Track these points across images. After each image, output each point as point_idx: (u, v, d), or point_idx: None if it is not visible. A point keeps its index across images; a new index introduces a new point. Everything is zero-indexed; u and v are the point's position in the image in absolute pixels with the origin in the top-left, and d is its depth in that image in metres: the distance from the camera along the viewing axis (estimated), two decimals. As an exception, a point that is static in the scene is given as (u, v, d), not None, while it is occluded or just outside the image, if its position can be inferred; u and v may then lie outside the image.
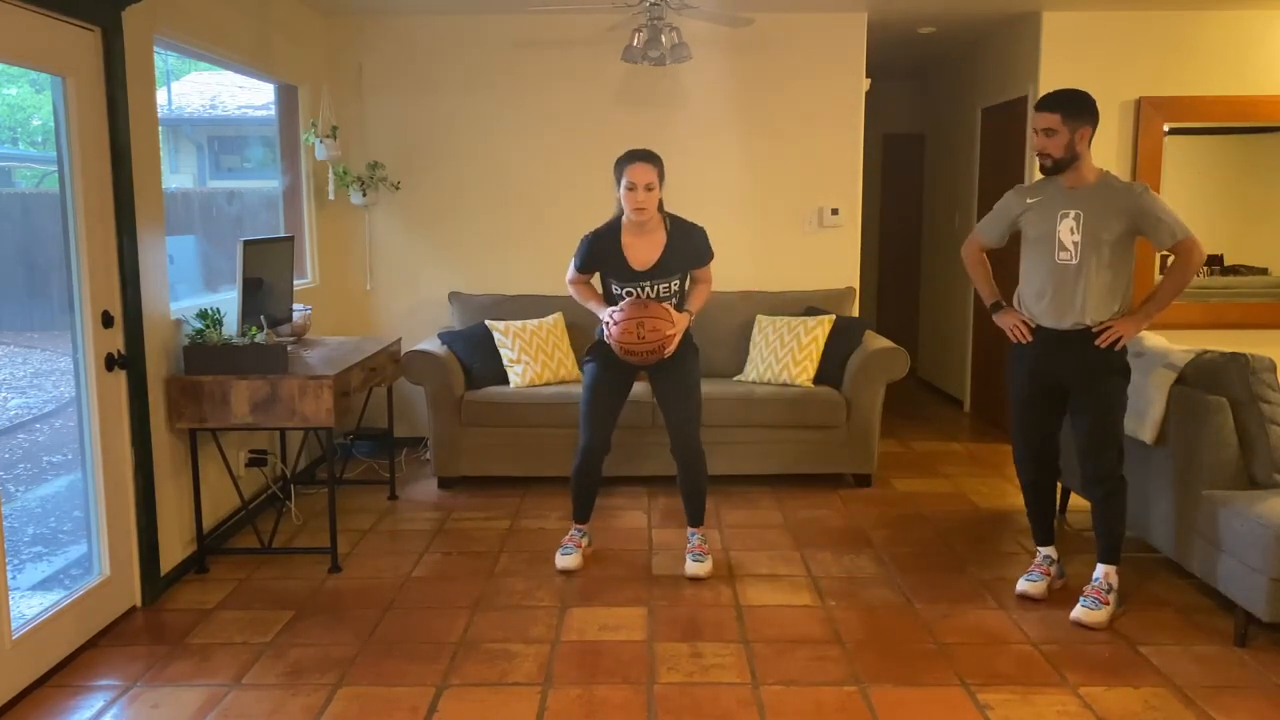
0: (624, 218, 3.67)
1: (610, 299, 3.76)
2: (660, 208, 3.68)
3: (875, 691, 2.92)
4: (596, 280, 3.86)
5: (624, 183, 3.58)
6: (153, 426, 3.57)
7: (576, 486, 3.91)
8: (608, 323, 3.61)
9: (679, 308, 3.74)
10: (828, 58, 5.60)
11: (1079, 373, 3.37)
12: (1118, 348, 3.32)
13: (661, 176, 3.63)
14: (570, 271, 3.83)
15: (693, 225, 3.75)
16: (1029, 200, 3.47)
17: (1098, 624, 3.33)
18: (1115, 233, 3.28)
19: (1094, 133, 3.33)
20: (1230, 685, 2.96)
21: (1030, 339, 3.47)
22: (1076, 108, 3.29)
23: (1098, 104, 3.33)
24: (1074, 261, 3.32)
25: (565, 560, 3.87)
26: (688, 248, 3.72)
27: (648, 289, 3.68)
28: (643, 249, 3.68)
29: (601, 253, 3.71)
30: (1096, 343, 3.30)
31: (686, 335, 3.74)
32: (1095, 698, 2.88)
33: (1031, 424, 3.54)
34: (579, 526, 3.98)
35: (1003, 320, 3.55)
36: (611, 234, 3.70)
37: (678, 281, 3.74)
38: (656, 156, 3.64)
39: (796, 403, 4.90)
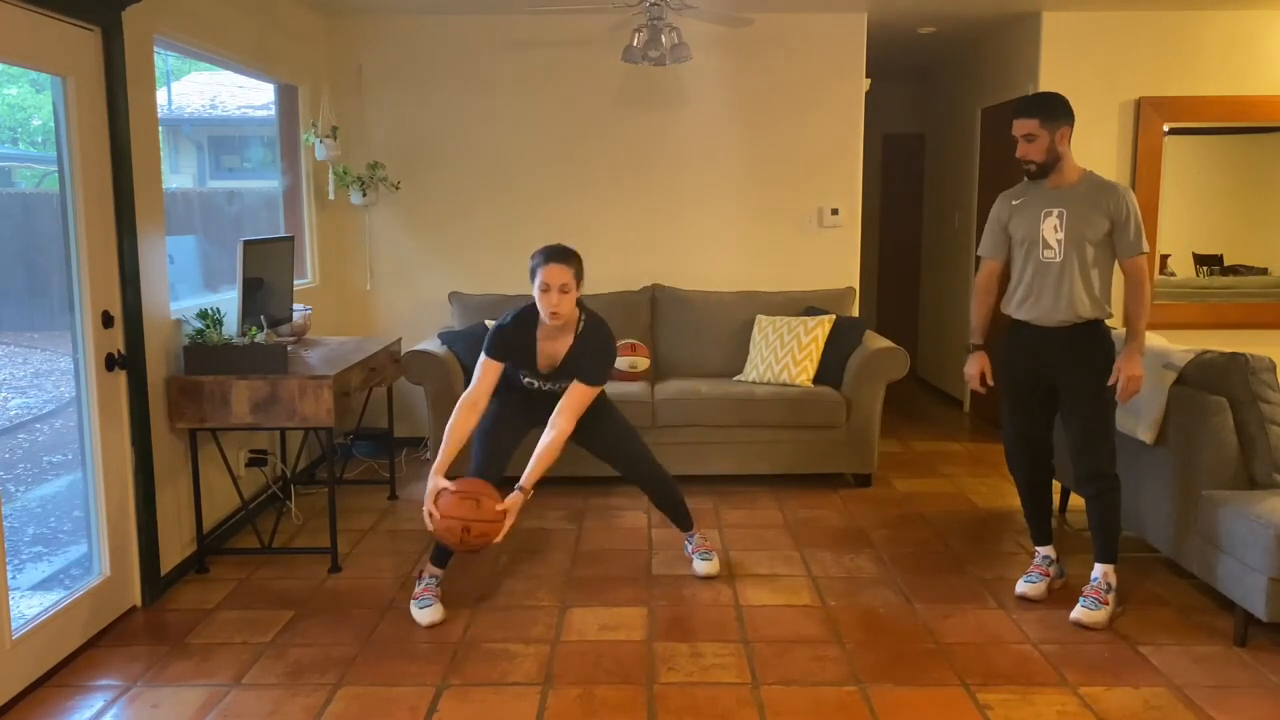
0: (540, 317, 3.39)
1: (513, 386, 3.54)
2: (580, 305, 3.44)
3: (875, 691, 2.92)
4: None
5: (538, 283, 3.32)
6: (153, 426, 3.57)
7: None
8: (437, 495, 3.19)
9: None
10: (828, 58, 5.60)
11: (1068, 371, 3.38)
12: (1135, 390, 3.31)
13: (579, 276, 3.36)
14: (481, 359, 3.43)
15: (605, 338, 3.48)
16: (1014, 203, 3.49)
17: (1097, 624, 3.33)
18: (1099, 231, 3.30)
19: (1072, 132, 3.35)
20: (1230, 685, 2.96)
21: (984, 391, 3.61)
22: (1053, 109, 3.32)
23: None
24: (1058, 259, 3.34)
25: (427, 614, 3.40)
26: (586, 357, 3.45)
27: (549, 385, 3.51)
28: (549, 347, 3.46)
29: (513, 345, 3.45)
30: (1123, 395, 3.31)
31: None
32: (1095, 698, 2.88)
33: (1023, 423, 3.55)
34: (436, 571, 3.52)
35: (969, 365, 3.65)
36: (527, 326, 3.44)
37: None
38: (574, 255, 3.37)
39: (796, 403, 4.90)
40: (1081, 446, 3.38)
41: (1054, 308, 3.36)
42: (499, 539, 3.20)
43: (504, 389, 3.55)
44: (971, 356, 3.65)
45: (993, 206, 3.60)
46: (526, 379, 3.55)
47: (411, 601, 3.49)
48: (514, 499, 3.26)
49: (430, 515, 3.20)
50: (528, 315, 3.45)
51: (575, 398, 3.42)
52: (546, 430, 3.40)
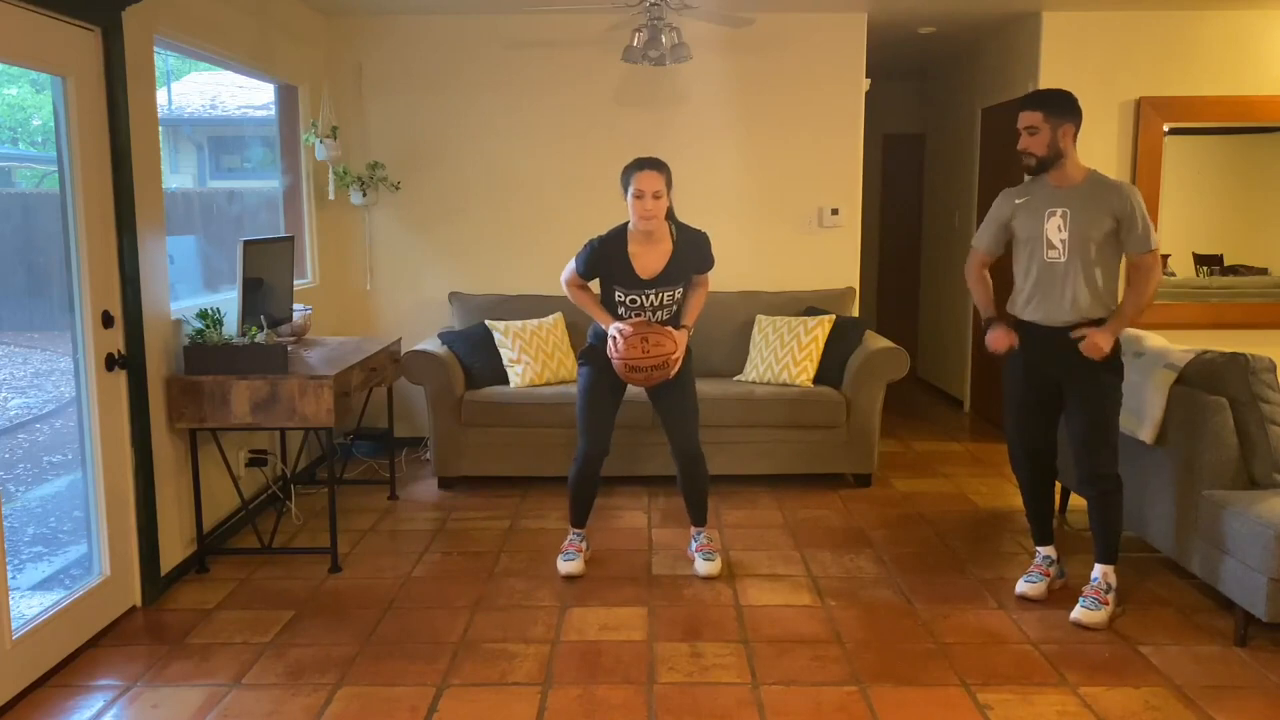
0: (631, 226, 3.65)
1: (610, 306, 3.73)
2: (668, 215, 3.66)
3: (875, 691, 2.92)
4: (594, 285, 3.82)
5: (632, 190, 3.56)
6: (153, 426, 3.57)
7: (576, 492, 3.87)
8: (614, 337, 3.59)
9: (676, 320, 3.74)
10: (828, 58, 5.60)
11: (1071, 371, 3.37)
12: (1098, 358, 3.29)
13: (669, 184, 3.61)
14: (568, 272, 3.77)
15: (697, 232, 3.74)
16: (1018, 201, 3.48)
17: (1097, 624, 3.33)
18: (1103, 231, 3.29)
19: (1078, 130, 3.34)
20: (1230, 685, 2.96)
21: (1015, 346, 3.48)
22: (1058, 105, 3.31)
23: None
24: (1062, 259, 3.33)
25: (569, 566, 3.83)
26: (692, 255, 3.72)
27: (652, 297, 3.66)
28: (649, 257, 3.65)
29: (606, 260, 3.66)
30: (1081, 348, 3.28)
31: None
32: (1095, 698, 2.88)
33: (1026, 423, 3.55)
34: (578, 531, 3.95)
35: (992, 334, 3.52)
36: (618, 241, 3.67)
37: (681, 290, 3.73)
38: (664, 164, 3.62)
39: (796, 403, 4.90)
40: (1084, 447, 3.37)
41: (1059, 308, 3.35)
42: (674, 368, 3.64)
43: (597, 356, 3.71)
44: (992, 329, 3.52)
45: (995, 201, 3.58)
46: (629, 296, 3.65)
47: (559, 555, 3.89)
48: (680, 333, 3.68)
49: (614, 341, 3.59)
50: (618, 231, 3.70)
51: (701, 286, 3.81)
52: (691, 294, 3.79)
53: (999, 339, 3.51)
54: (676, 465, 3.84)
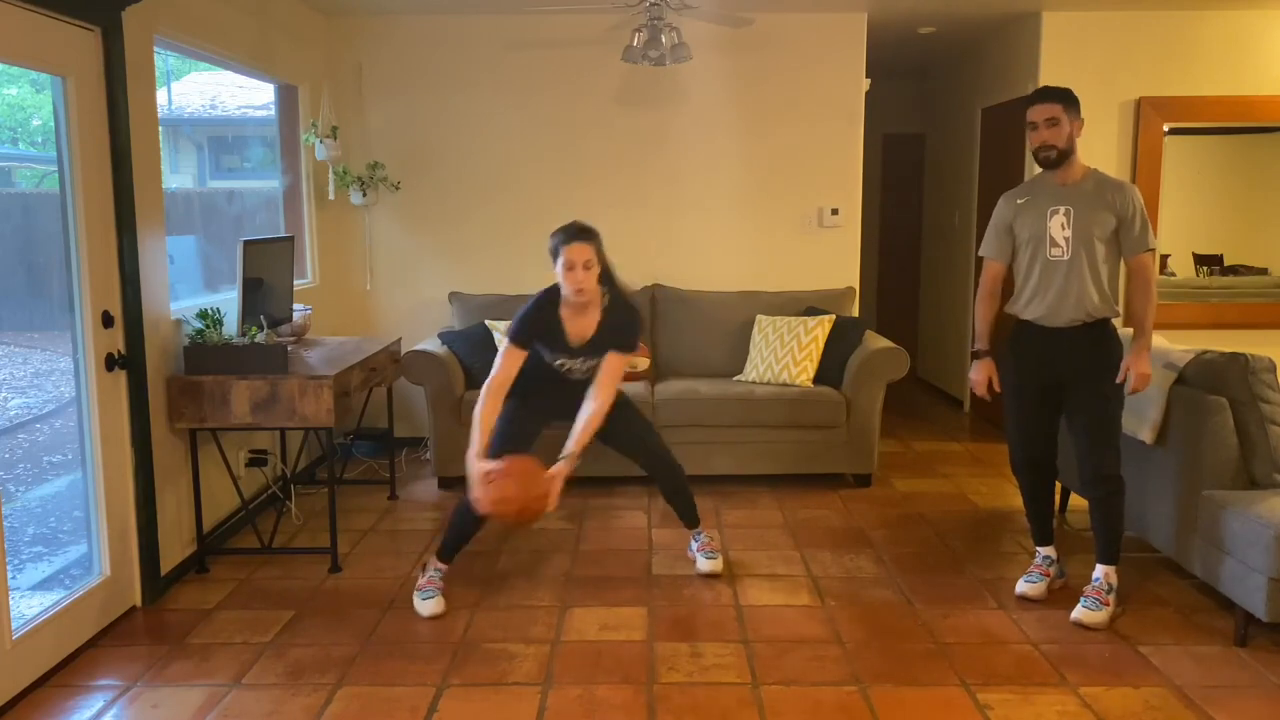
0: (563, 294, 3.49)
1: (539, 367, 3.58)
2: (601, 280, 3.50)
3: (875, 691, 2.92)
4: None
5: (562, 261, 3.42)
6: (153, 426, 3.57)
7: (459, 523, 3.54)
8: (482, 474, 3.22)
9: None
10: (828, 58, 5.60)
11: (1075, 371, 3.37)
12: (1144, 387, 3.33)
13: (599, 251, 3.46)
14: (504, 347, 3.50)
15: (630, 307, 3.60)
16: (1019, 202, 3.47)
17: (1098, 624, 3.33)
18: (1107, 229, 3.30)
19: (1081, 127, 3.37)
20: (1230, 685, 2.96)
21: (989, 399, 3.52)
22: (1072, 100, 3.34)
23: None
24: (1065, 257, 3.33)
25: (431, 605, 3.48)
26: (617, 329, 3.56)
27: (580, 361, 3.58)
28: (580, 323, 3.54)
29: (543, 324, 3.53)
30: (1133, 388, 3.32)
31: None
32: (1095, 698, 2.88)
33: (1028, 423, 3.54)
34: (441, 566, 3.61)
35: (975, 371, 3.57)
36: (551, 307, 3.53)
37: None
38: (594, 231, 3.48)
39: (796, 403, 4.90)
40: (1087, 448, 3.37)
41: (1062, 306, 3.35)
42: (551, 509, 3.24)
43: (522, 384, 3.58)
44: (977, 363, 3.58)
45: (996, 207, 3.58)
46: (559, 361, 3.61)
47: (415, 592, 3.57)
48: (560, 467, 3.32)
49: (478, 500, 3.23)
50: (549, 297, 3.55)
51: (611, 368, 3.53)
52: (587, 403, 3.49)
53: (980, 381, 3.56)
54: (654, 478, 3.80)
